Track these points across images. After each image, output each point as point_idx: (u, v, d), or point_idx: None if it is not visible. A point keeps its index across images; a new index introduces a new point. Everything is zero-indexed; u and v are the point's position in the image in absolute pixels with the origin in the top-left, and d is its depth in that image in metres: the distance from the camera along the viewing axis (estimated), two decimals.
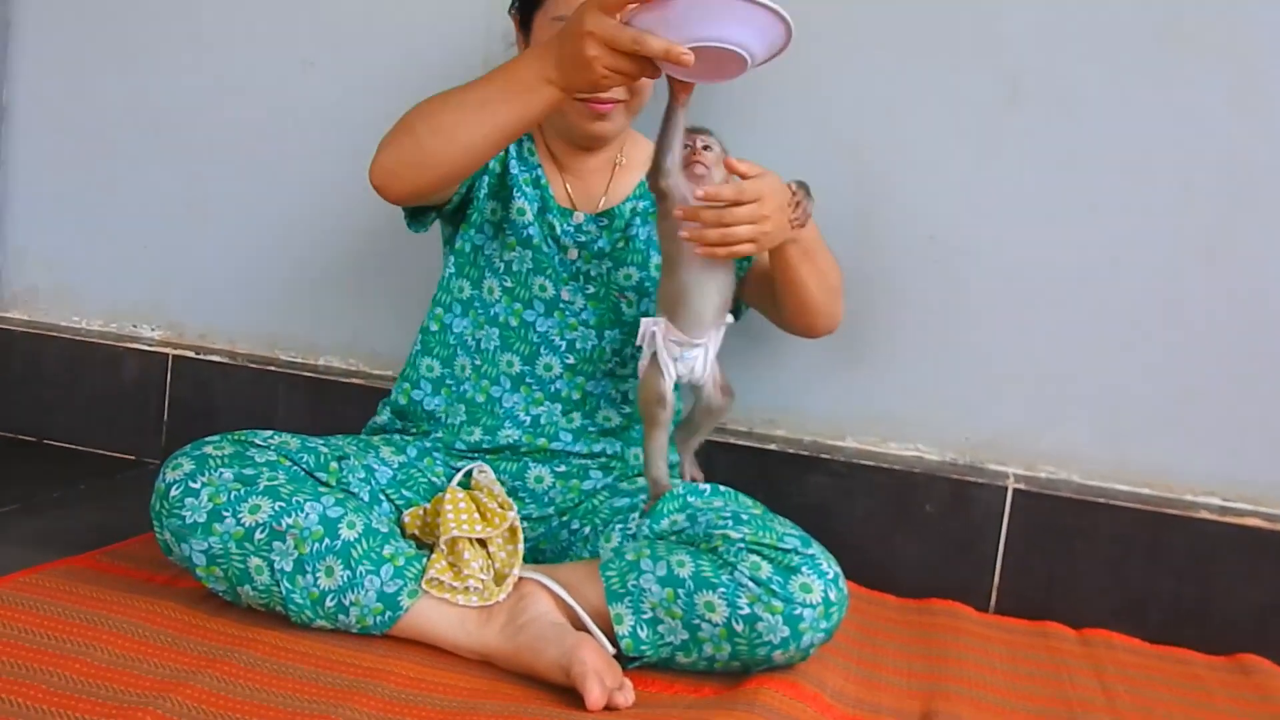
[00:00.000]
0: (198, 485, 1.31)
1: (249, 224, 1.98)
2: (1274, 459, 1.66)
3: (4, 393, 2.06)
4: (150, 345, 2.00)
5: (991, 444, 1.73)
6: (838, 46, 1.70)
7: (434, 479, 1.50)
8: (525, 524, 1.47)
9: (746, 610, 1.27)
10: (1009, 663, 1.48)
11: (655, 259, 1.53)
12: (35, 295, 2.10)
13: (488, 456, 1.53)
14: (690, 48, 1.19)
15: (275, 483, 1.33)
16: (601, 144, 1.54)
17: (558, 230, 1.54)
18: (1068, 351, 1.70)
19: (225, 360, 1.96)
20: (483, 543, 1.37)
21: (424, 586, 1.32)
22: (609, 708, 1.19)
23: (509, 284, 1.55)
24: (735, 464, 1.72)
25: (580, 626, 1.31)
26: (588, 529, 1.49)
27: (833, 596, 1.28)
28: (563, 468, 1.53)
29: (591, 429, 1.55)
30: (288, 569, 1.30)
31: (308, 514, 1.31)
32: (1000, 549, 1.68)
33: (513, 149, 1.54)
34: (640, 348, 1.44)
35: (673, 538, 1.37)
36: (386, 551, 1.33)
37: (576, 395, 1.55)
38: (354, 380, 1.91)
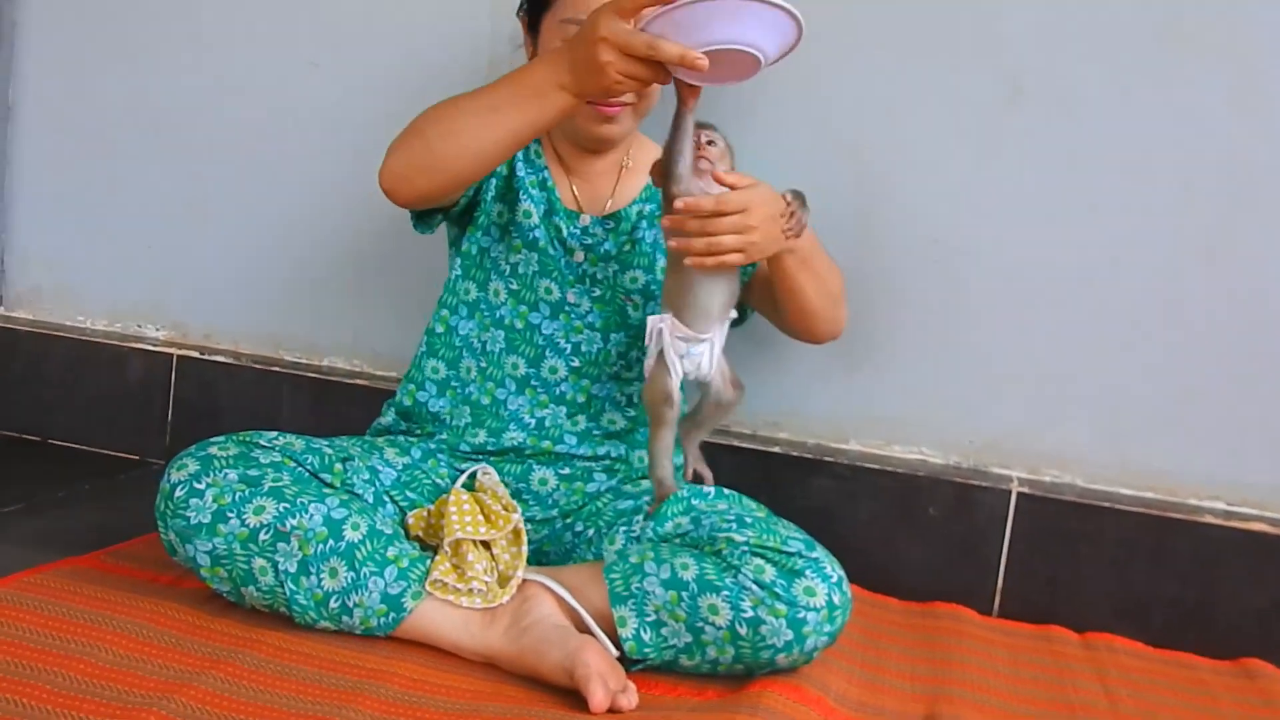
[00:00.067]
0: (203, 486, 1.32)
1: (252, 224, 1.98)
2: (1275, 460, 1.66)
3: (8, 392, 2.06)
4: (155, 345, 2.00)
5: (994, 446, 1.73)
6: (837, 46, 1.70)
7: (438, 481, 1.50)
8: (529, 526, 1.47)
9: (750, 613, 1.27)
10: (1012, 666, 1.48)
11: (661, 262, 1.53)
12: (39, 295, 2.11)
13: (492, 458, 1.53)
14: (704, 51, 1.19)
15: (280, 484, 1.33)
16: (609, 147, 1.54)
17: (564, 233, 1.54)
18: (1068, 352, 1.69)
19: (229, 361, 1.96)
20: (487, 545, 1.37)
21: (428, 588, 1.32)
22: (612, 710, 1.19)
23: (515, 286, 1.55)
24: (739, 466, 1.72)
25: (584, 629, 1.31)
26: (591, 531, 1.49)
27: (837, 600, 1.28)
28: (567, 470, 1.53)
29: (596, 432, 1.55)
30: (292, 570, 1.30)
31: (312, 515, 1.31)
32: (1004, 552, 1.68)
33: (519, 152, 1.54)
34: (648, 347, 1.43)
35: (677, 540, 1.37)
36: (390, 553, 1.33)
37: (581, 398, 1.55)
38: (357, 381, 1.91)
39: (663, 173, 1.35)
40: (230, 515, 1.30)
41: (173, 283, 2.03)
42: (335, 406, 1.90)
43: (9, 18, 2.04)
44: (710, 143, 1.36)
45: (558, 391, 1.54)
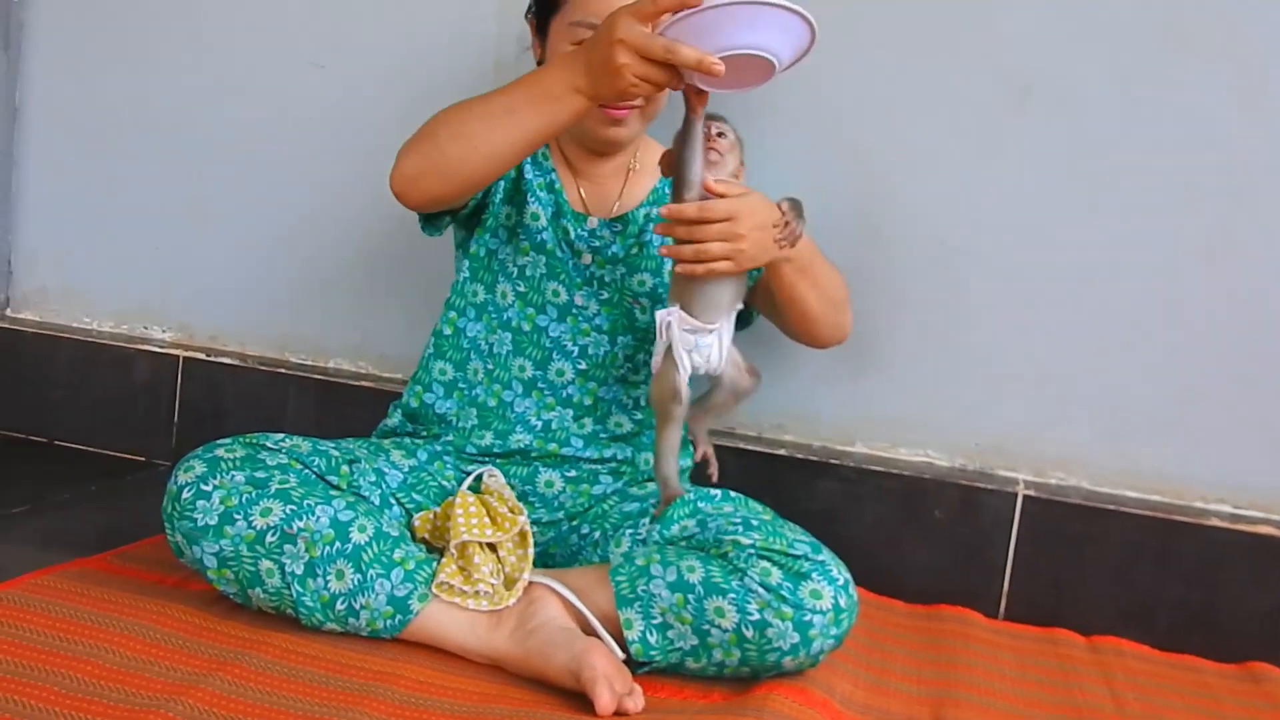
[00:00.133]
0: (209, 488, 1.32)
1: (259, 226, 1.98)
2: (1276, 461, 1.66)
3: (14, 393, 2.06)
4: (161, 347, 2.01)
5: (999, 448, 1.73)
6: (838, 47, 1.68)
7: (444, 483, 1.50)
8: (535, 528, 1.47)
9: (756, 616, 1.27)
10: (1018, 669, 1.48)
11: (669, 264, 1.52)
12: (46, 296, 2.11)
13: (498, 461, 1.53)
14: (720, 57, 1.19)
15: (286, 486, 1.33)
16: (616, 149, 1.54)
17: (571, 235, 1.54)
18: (1070, 352, 1.69)
19: (236, 362, 1.97)
20: (493, 547, 1.37)
21: (434, 590, 1.32)
22: (618, 713, 1.19)
23: (522, 289, 1.55)
24: (744, 469, 1.72)
25: (590, 631, 1.31)
26: (597, 534, 1.49)
27: (843, 603, 1.28)
28: (573, 472, 1.54)
29: (603, 434, 1.55)
30: (298, 572, 1.30)
31: (319, 517, 1.31)
32: (1009, 555, 1.68)
33: None
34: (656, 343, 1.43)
35: (683, 543, 1.37)
36: (397, 555, 1.33)
37: (588, 401, 1.55)
38: (363, 383, 1.91)
39: (673, 176, 1.35)
40: (237, 517, 1.30)
41: (179, 284, 2.03)
42: (341, 408, 1.90)
43: (16, 19, 2.05)
44: (720, 134, 1.36)
45: (564, 394, 1.55)
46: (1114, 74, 1.64)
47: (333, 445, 1.45)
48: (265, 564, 1.30)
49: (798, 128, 1.73)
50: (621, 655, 1.29)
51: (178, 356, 1.99)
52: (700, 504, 1.41)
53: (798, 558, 1.29)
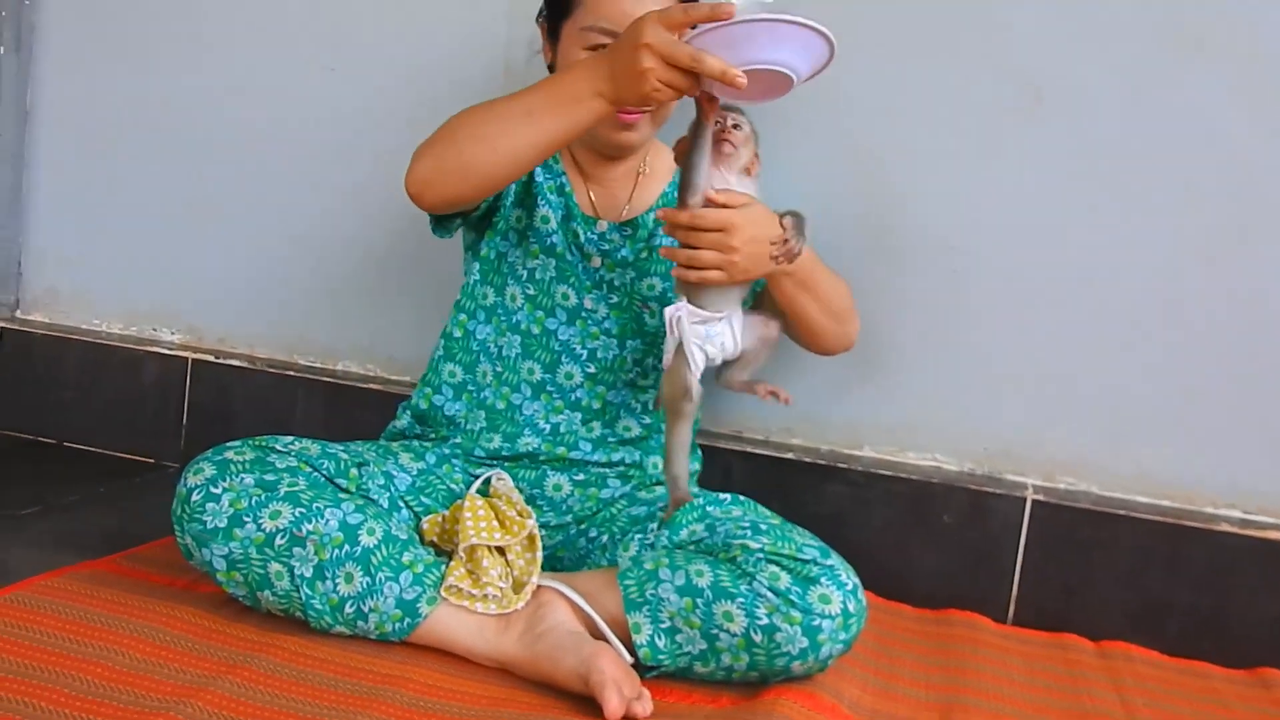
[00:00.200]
0: (219, 490, 1.32)
1: (269, 228, 1.98)
2: (1276, 461, 1.65)
3: (24, 395, 2.07)
4: (170, 349, 2.01)
5: (1007, 452, 1.72)
6: (840, 49, 1.69)
7: (453, 486, 1.50)
8: (543, 532, 1.47)
9: (765, 620, 1.26)
10: (1026, 674, 1.48)
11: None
12: (55, 298, 2.11)
13: (507, 464, 1.53)
14: (743, 70, 1.21)
15: (296, 488, 1.33)
16: (627, 153, 1.54)
17: (581, 238, 1.54)
18: (1071, 352, 1.69)
19: (244, 365, 1.97)
20: (501, 550, 1.37)
21: (443, 594, 1.33)
22: (627, 718, 1.19)
23: (532, 291, 1.55)
24: (753, 473, 1.72)
25: (598, 635, 1.31)
26: (606, 537, 1.49)
27: (851, 608, 1.28)
28: (581, 476, 1.53)
29: (611, 438, 1.55)
30: (307, 575, 1.30)
31: (328, 520, 1.31)
32: (1019, 560, 1.67)
33: None
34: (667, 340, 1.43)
35: (691, 547, 1.36)
36: (406, 558, 1.33)
37: (597, 404, 1.55)
38: (371, 385, 1.91)
39: (681, 185, 1.35)
40: (246, 520, 1.30)
41: (188, 286, 2.04)
42: (349, 411, 1.90)
43: (27, 21, 2.05)
44: (736, 126, 1.37)
45: (573, 397, 1.54)
46: (1114, 75, 1.64)
47: (341, 448, 1.45)
48: (274, 566, 1.30)
49: (799, 129, 1.73)
50: (630, 659, 1.28)
51: (187, 358, 1.99)
52: (709, 508, 1.41)
53: (806, 562, 1.29)
